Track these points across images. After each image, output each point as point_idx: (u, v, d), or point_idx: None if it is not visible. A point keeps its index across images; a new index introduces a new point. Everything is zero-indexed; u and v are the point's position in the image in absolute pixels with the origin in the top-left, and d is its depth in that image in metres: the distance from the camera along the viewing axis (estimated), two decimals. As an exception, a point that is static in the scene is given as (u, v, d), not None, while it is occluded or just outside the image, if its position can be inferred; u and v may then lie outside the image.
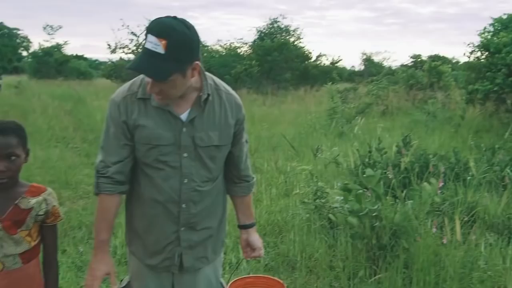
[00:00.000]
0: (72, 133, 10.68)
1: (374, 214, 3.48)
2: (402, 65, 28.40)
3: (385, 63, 36.57)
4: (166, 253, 2.00)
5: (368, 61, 38.36)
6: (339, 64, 31.17)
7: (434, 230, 3.25)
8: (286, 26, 29.63)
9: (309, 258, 3.93)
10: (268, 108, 14.38)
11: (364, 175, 3.54)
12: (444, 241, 3.19)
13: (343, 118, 11.49)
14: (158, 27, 1.69)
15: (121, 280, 2.16)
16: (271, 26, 29.55)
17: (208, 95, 1.91)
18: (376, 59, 38.07)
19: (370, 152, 5.94)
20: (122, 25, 21.32)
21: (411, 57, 32.40)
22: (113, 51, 23.05)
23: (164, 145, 1.89)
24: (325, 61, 29.59)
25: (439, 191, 3.68)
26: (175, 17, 1.73)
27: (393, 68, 28.88)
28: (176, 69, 1.72)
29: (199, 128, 1.91)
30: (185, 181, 1.93)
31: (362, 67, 38.45)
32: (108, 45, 23.09)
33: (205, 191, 1.98)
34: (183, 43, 1.70)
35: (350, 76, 34.36)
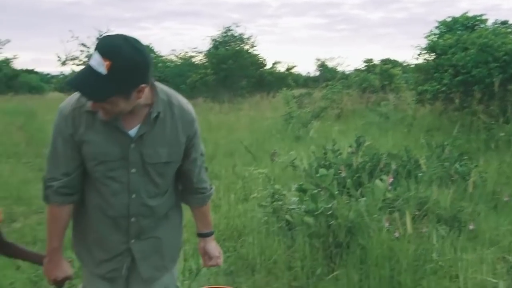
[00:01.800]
0: (25, 148, 10.39)
1: (329, 213, 3.55)
2: (355, 70, 28.95)
3: (339, 68, 37.14)
4: (114, 263, 1.99)
5: (322, 66, 38.94)
6: (295, 71, 31.56)
7: (386, 225, 3.34)
8: (240, 34, 29.80)
9: (268, 260, 3.96)
10: (224, 116, 14.38)
11: (318, 175, 3.60)
12: (396, 234, 3.28)
13: (299, 122, 11.63)
14: (106, 47, 1.63)
15: None
16: (225, 34, 29.65)
17: (159, 113, 1.85)
18: (330, 64, 38.60)
19: (325, 154, 6.04)
20: (72, 37, 20.78)
21: (364, 61, 33.06)
22: (64, 63, 22.49)
23: (111, 160, 1.85)
24: (280, 68, 29.94)
25: (390, 187, 3.77)
26: (125, 38, 1.65)
27: (347, 72, 29.44)
28: (117, 92, 1.66)
29: (148, 145, 1.86)
30: (133, 196, 1.90)
31: (317, 73, 38.94)
32: (58, 57, 22.53)
33: (154, 205, 1.97)
34: (128, 67, 1.62)
35: (306, 82, 34.79)
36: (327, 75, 34.50)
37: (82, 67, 1.82)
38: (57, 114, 1.88)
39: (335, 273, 3.31)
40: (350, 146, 6.09)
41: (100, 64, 1.59)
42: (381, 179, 3.91)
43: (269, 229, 4.39)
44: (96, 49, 1.63)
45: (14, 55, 38.48)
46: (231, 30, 30.02)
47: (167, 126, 1.89)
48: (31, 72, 42.33)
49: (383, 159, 5.40)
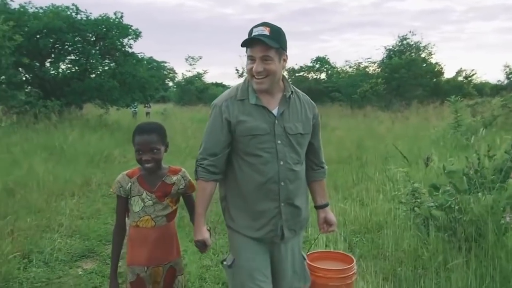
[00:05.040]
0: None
1: (457, 207, 3.78)
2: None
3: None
4: (271, 225, 2.41)
5: (512, 73, 35.86)
6: (482, 79, 29.84)
7: (507, 219, 3.46)
8: (416, 43, 29.18)
9: (400, 250, 4.29)
10: (390, 124, 14.49)
11: (445, 171, 3.84)
12: (512, 225, 3.40)
13: (468, 131, 11.28)
14: (262, 23, 2.32)
15: (224, 260, 2.55)
16: (400, 43, 29.31)
17: (291, 92, 2.45)
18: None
19: (478, 159, 6.01)
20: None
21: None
22: (241, 76, 24.60)
23: (261, 134, 2.34)
24: (461, 77, 28.53)
25: None
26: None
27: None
28: (276, 47, 2.28)
29: (287, 120, 2.40)
30: (281, 163, 2.36)
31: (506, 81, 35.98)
32: (236, 70, 24.72)
33: (297, 171, 2.43)
34: (280, 33, 2.32)
35: (492, 90, 32.46)
36: (518, 83, 31.73)
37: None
38: (211, 109, 2.45)
39: (454, 262, 3.54)
40: (506, 152, 5.97)
41: (263, 30, 2.28)
42: (516, 180, 3.96)
43: (407, 224, 4.71)
44: (253, 28, 2.32)
45: (205, 70, 42.76)
46: (407, 38, 29.57)
47: (297, 106, 2.47)
48: (218, 85, 46.52)
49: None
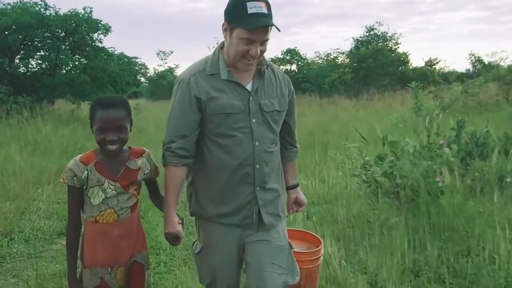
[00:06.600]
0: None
1: (398, 174, 4.27)
2: (515, 64, 27.23)
3: (503, 63, 35.03)
4: (246, 211, 2.22)
5: (478, 62, 37.01)
6: (450, 68, 30.87)
7: (437, 179, 3.95)
8: (382, 33, 29.90)
9: (351, 216, 4.77)
10: (355, 112, 15.07)
11: (387, 140, 4.32)
12: (440, 184, 3.89)
13: (427, 114, 11.90)
14: None
15: (193, 246, 2.43)
16: (367, 34, 29.99)
17: (266, 67, 2.22)
18: (490, 60, 36.45)
19: (428, 136, 6.55)
20: (217, 43, 22.91)
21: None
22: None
23: (235, 113, 2.12)
24: (427, 65, 29.41)
25: (447, 150, 4.29)
26: None
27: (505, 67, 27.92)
28: (273, 24, 2.02)
29: (262, 96, 2.18)
30: (257, 143, 2.16)
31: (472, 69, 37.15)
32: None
33: (272, 152, 2.24)
34: (270, 5, 2.04)
35: (458, 79, 33.55)
36: (483, 71, 32.83)
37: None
38: (176, 84, 2.18)
39: (394, 219, 4.03)
40: (452, 129, 6.52)
41: (261, 7, 1.98)
42: (451, 148, 4.46)
43: (359, 193, 5.20)
44: (246, 1, 1.97)
45: (176, 65, 42.52)
46: (374, 29, 30.28)
47: (273, 82, 2.25)
48: (190, 79, 46.33)
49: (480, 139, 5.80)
